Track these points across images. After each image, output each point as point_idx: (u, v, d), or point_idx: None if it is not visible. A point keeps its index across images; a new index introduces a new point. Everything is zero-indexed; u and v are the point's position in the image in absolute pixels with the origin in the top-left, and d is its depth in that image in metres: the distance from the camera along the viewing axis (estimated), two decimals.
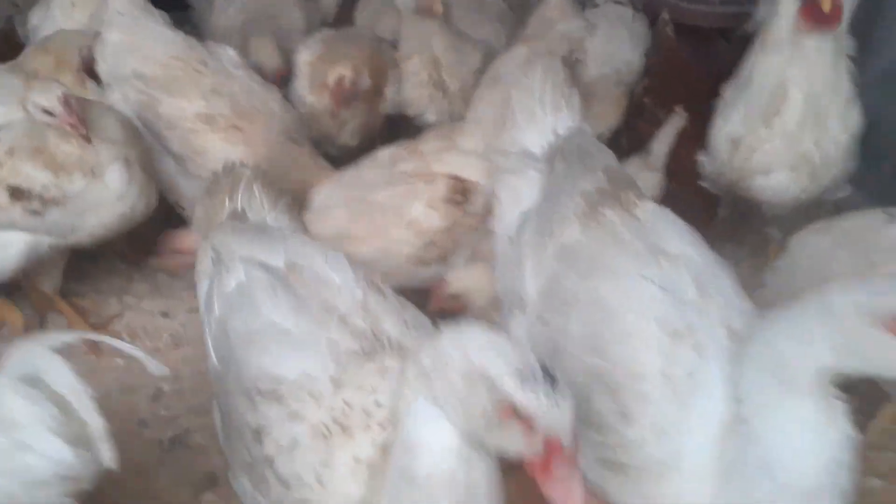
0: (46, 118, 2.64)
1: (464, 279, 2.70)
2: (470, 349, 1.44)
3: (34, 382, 1.87)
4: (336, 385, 1.68)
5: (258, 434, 1.73)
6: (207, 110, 2.94)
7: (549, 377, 1.42)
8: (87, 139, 2.65)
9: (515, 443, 1.43)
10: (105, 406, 2.62)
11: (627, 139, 3.59)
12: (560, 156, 2.24)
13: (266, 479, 1.70)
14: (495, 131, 2.62)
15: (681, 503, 1.71)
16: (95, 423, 1.88)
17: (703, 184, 3.12)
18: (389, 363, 1.66)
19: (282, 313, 1.85)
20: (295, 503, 1.66)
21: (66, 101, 2.63)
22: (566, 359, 1.88)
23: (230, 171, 2.44)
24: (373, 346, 1.75)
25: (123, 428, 2.61)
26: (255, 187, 2.41)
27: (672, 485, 1.73)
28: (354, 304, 1.85)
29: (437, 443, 1.48)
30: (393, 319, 1.83)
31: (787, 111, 2.79)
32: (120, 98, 2.99)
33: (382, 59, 3.58)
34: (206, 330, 2.08)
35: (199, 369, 2.81)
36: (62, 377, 1.88)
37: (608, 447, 1.79)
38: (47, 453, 1.82)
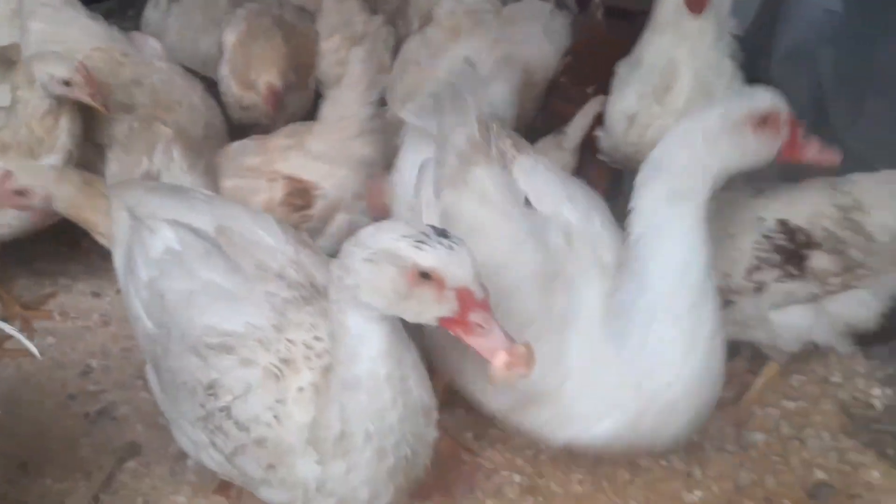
0: (63, 89, 2.72)
1: None
2: (365, 239, 1.62)
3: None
4: (278, 330, 1.86)
5: (211, 387, 1.87)
6: (127, 101, 3.03)
7: (441, 232, 1.59)
8: (108, 108, 2.75)
9: (432, 307, 1.60)
10: (36, 381, 2.83)
11: (542, 117, 3.75)
12: (437, 105, 2.37)
13: (223, 428, 1.87)
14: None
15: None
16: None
17: (602, 157, 3.30)
18: (326, 305, 1.81)
19: (219, 274, 1.98)
20: (254, 444, 1.83)
21: (85, 70, 2.70)
22: None
23: (149, 129, 2.54)
24: (310, 293, 1.95)
25: (53, 402, 2.79)
26: (173, 149, 2.52)
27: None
28: (287, 261, 2.01)
29: (372, 349, 1.68)
30: (324, 270, 2.01)
31: (676, 89, 2.96)
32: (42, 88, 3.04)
33: (306, 44, 3.71)
34: (132, 293, 2.15)
35: (125, 346, 2.98)
36: None
37: None
38: None
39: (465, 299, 1.57)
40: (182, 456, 2.48)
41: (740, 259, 2.55)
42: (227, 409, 1.84)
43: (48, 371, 2.91)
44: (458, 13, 3.53)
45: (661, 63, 2.97)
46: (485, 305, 1.58)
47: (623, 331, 2.02)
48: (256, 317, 1.88)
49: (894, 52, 3.32)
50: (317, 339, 1.82)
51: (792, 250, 2.54)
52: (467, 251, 1.57)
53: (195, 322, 1.94)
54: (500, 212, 2.15)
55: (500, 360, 1.57)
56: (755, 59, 3.79)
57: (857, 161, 2.91)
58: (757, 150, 2.06)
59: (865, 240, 2.52)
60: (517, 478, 2.55)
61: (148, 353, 2.15)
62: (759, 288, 2.55)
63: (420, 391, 1.77)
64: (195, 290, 1.98)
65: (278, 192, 2.90)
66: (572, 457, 2.57)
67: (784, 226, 2.54)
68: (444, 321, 1.60)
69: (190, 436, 2.00)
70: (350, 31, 3.71)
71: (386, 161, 2.96)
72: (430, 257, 1.55)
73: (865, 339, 2.78)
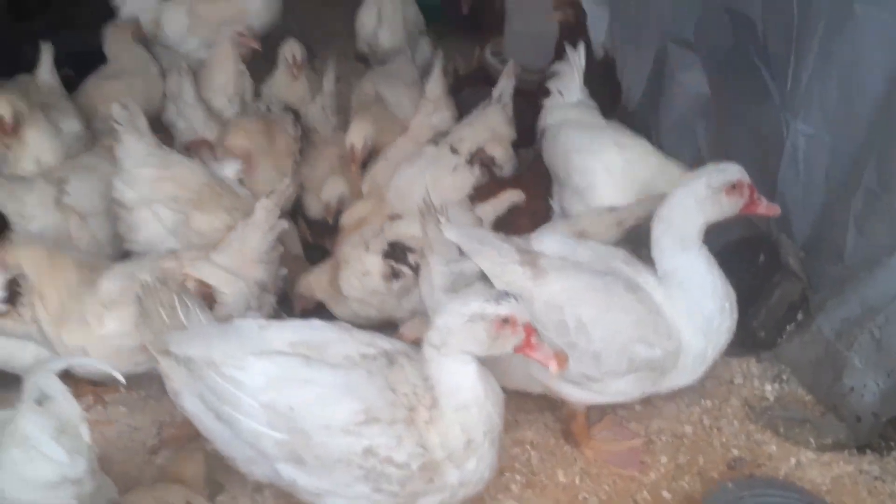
0: None
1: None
2: (459, 308, 2.50)
3: (44, 402, 2.48)
4: (392, 391, 2.57)
5: (368, 450, 2.50)
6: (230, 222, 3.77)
7: (502, 294, 2.53)
8: None
9: (510, 341, 2.53)
10: (120, 443, 3.45)
11: None
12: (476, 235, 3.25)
13: (385, 474, 2.51)
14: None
15: None
16: (85, 432, 2.49)
17: None
18: (401, 361, 2.67)
19: (327, 373, 2.58)
20: (418, 471, 2.53)
21: None
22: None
23: (161, 288, 2.87)
24: (387, 357, 2.68)
25: (139, 458, 3.39)
26: (186, 299, 2.90)
27: None
28: (354, 343, 2.71)
29: (469, 379, 2.54)
30: (373, 338, 2.78)
31: None
32: (150, 214, 3.79)
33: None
34: (240, 419, 2.59)
35: None
36: (65, 401, 2.50)
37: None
38: (54, 459, 2.41)
39: (528, 331, 2.49)
40: (260, 488, 3.15)
41: None
42: (388, 459, 2.51)
43: (127, 435, 3.52)
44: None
45: None
46: (535, 332, 2.53)
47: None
48: (375, 390, 2.56)
49: (751, 122, 4.11)
50: (415, 385, 2.59)
51: None
52: (518, 302, 2.50)
53: (335, 412, 2.53)
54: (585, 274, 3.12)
55: (553, 364, 2.54)
56: (647, 130, 4.73)
57: None
58: (729, 208, 3.06)
59: None
60: (518, 477, 3.35)
61: (277, 457, 2.62)
62: None
63: (496, 389, 2.61)
64: (319, 391, 2.56)
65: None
66: (556, 457, 3.43)
67: None
68: (517, 349, 2.51)
69: (349, 496, 2.60)
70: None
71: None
72: (507, 308, 2.46)
73: (756, 347, 3.73)
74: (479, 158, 4.41)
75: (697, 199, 3.01)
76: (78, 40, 5.63)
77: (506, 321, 2.47)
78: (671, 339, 3.07)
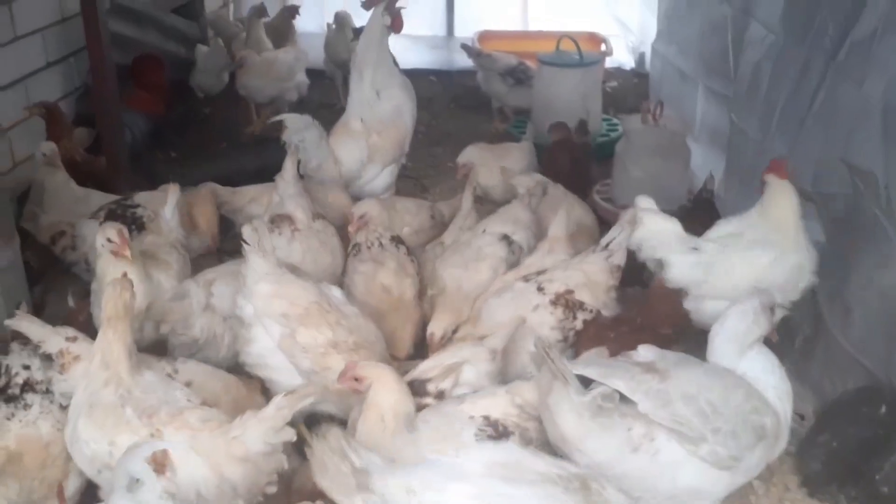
0: None
1: None
2: None
3: (134, 485, 2.71)
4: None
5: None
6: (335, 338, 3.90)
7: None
8: None
9: None
10: None
11: None
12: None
13: None
14: None
15: None
16: None
17: None
18: (595, 486, 2.83)
19: (537, 485, 2.69)
20: None
21: None
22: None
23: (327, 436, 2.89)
24: (579, 481, 2.82)
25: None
26: (349, 441, 2.92)
27: None
28: (547, 463, 2.86)
29: None
30: (564, 463, 2.98)
31: None
32: (260, 329, 3.96)
33: None
34: None
35: None
36: (151, 482, 2.71)
37: None
38: None
39: None
40: None
41: None
42: None
43: None
44: None
45: None
46: None
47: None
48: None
49: (868, 274, 4.02)
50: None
51: None
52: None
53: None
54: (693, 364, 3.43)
55: None
56: None
57: None
58: (768, 325, 3.43)
59: None
60: None
61: None
62: None
63: None
64: (534, 491, 2.68)
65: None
66: None
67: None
68: None
69: None
70: None
71: None
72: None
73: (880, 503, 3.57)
74: (565, 300, 4.35)
75: (755, 313, 3.41)
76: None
77: None
78: (769, 404, 3.32)
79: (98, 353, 3.38)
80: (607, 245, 4.58)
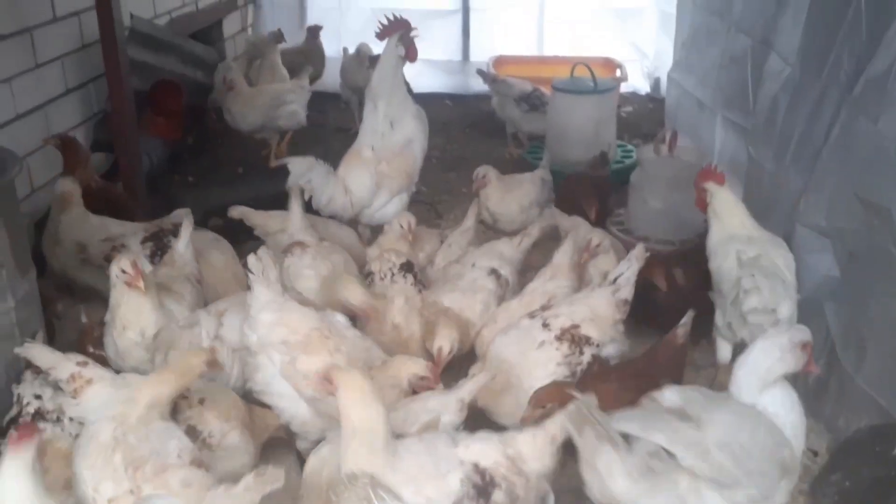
0: None
1: None
2: None
3: None
4: None
5: None
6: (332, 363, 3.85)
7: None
8: None
9: None
10: None
11: None
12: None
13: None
14: None
15: None
16: None
17: None
18: None
19: None
20: None
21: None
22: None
23: (353, 483, 2.96)
24: None
25: None
26: (381, 491, 2.96)
27: None
28: None
29: None
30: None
31: None
32: (265, 358, 3.98)
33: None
34: None
35: None
36: None
37: None
38: None
39: None
40: None
41: None
42: None
43: None
44: None
45: None
46: None
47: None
48: None
49: (883, 310, 3.99)
50: None
51: None
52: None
53: None
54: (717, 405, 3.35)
55: None
56: None
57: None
58: (795, 364, 3.37)
59: None
60: None
61: None
62: None
63: None
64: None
65: None
66: None
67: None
68: None
69: None
70: None
71: None
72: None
73: None
74: (571, 335, 4.32)
75: (782, 350, 3.36)
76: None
77: None
78: (787, 439, 3.31)
79: (139, 386, 3.53)
80: (615, 280, 4.59)
